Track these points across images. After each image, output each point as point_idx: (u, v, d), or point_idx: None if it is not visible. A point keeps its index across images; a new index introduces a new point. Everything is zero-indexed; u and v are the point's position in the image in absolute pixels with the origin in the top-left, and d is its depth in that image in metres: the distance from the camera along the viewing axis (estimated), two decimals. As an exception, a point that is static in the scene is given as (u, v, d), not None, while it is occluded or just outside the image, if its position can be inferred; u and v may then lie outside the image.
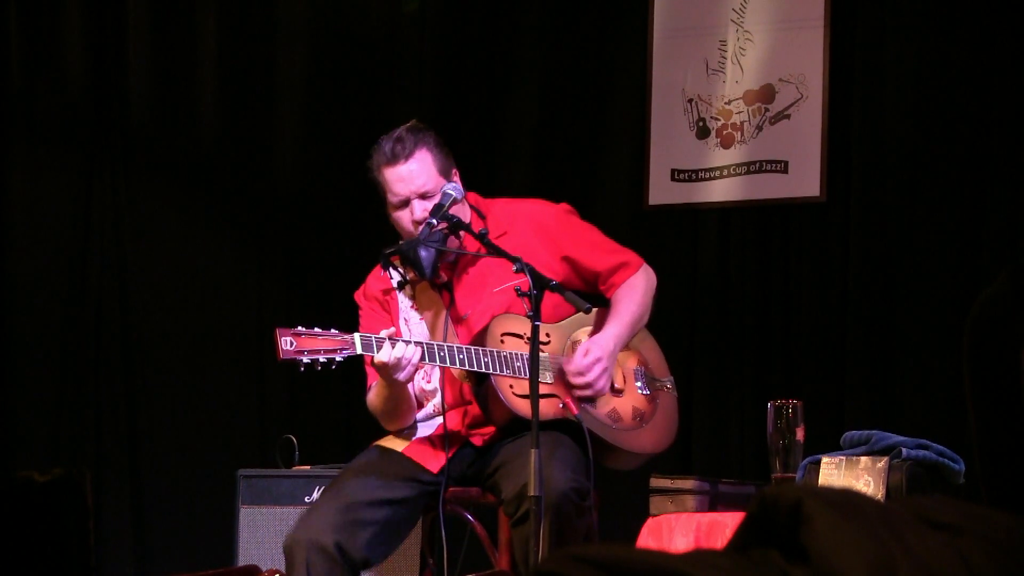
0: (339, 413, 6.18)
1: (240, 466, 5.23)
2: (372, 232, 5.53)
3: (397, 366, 3.91)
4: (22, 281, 6.35)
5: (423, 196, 4.16)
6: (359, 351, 3.92)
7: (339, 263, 6.10)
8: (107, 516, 6.19)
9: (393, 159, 4.17)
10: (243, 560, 4.99)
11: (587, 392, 4.15)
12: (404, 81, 6.34)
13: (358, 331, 4.00)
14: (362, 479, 4.11)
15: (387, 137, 4.22)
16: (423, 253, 4.08)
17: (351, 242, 6.17)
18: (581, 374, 4.14)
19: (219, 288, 6.37)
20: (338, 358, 3.90)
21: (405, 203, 4.18)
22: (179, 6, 6.47)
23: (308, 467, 5.19)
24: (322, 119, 6.39)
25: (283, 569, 4.01)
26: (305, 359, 3.86)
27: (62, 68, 6.39)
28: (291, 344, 3.86)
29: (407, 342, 3.95)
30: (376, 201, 4.33)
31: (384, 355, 3.90)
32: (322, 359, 3.87)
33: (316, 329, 3.89)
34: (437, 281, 4.21)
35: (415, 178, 4.16)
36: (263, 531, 5.02)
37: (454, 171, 4.25)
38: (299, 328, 3.88)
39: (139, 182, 6.42)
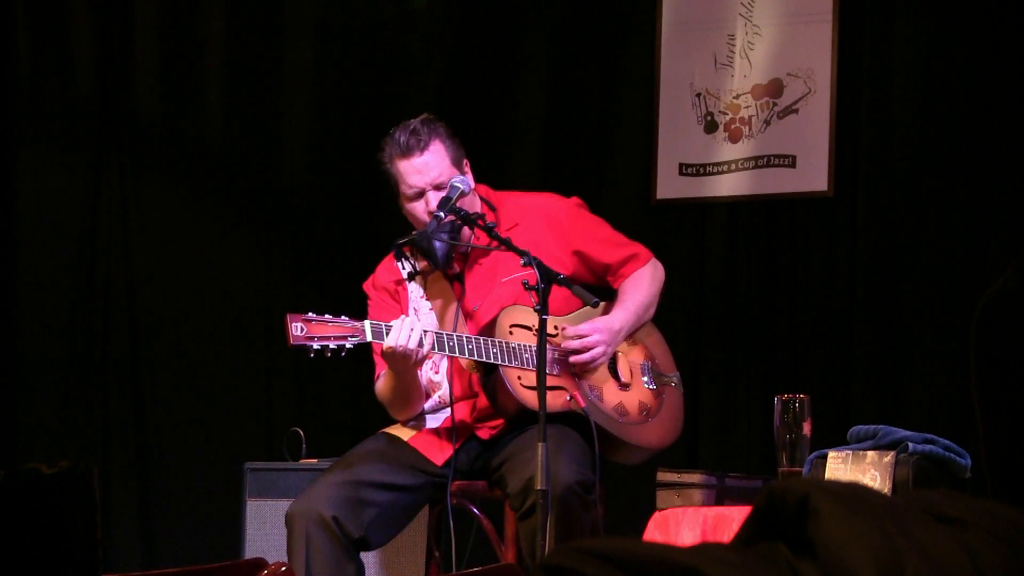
0: (346, 406, 6.18)
1: (247, 459, 5.24)
2: (379, 227, 5.53)
3: (406, 353, 3.91)
4: (30, 276, 6.34)
5: (438, 187, 4.17)
6: (369, 338, 3.92)
7: (346, 258, 6.10)
8: (114, 509, 6.20)
9: (408, 151, 4.18)
10: (250, 553, 4.99)
11: (576, 355, 4.17)
12: (411, 75, 6.33)
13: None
14: (368, 461, 4.12)
15: (400, 129, 4.22)
16: (437, 244, 4.08)
17: (358, 237, 6.17)
18: (580, 338, 4.16)
19: (226, 282, 6.37)
20: (348, 344, 3.90)
21: (420, 194, 4.19)
22: (186, 0, 6.47)
23: (315, 460, 5.20)
24: (330, 113, 6.38)
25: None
26: (315, 345, 3.86)
27: (69, 63, 6.39)
28: (301, 330, 3.86)
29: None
30: (383, 194, 4.33)
31: (392, 340, 3.91)
32: (332, 345, 3.87)
33: (327, 316, 3.89)
34: (449, 272, 4.22)
35: (430, 169, 4.17)
36: (270, 524, 5.02)
37: (465, 162, 4.26)
38: (310, 314, 3.88)
39: (146, 177, 6.41)
